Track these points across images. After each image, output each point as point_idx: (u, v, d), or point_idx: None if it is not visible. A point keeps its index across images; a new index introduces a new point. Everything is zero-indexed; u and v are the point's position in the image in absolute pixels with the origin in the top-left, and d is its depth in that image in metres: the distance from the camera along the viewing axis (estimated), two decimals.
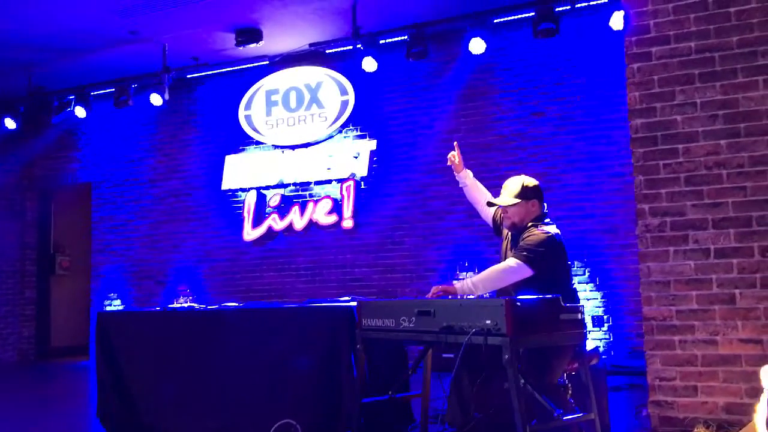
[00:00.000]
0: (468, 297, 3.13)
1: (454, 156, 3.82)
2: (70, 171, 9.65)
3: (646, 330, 3.70)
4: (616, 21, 6.29)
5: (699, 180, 3.64)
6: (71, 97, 8.56)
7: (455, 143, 3.93)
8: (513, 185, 3.45)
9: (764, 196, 3.50)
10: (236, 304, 4.55)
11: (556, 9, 6.62)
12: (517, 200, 3.39)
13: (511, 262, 3.22)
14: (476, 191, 3.85)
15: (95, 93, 8.74)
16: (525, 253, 3.20)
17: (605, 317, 6.83)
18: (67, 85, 8.64)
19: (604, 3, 6.46)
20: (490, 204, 3.60)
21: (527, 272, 3.18)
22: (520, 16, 6.99)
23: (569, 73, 7.17)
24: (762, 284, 3.47)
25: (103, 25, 7.29)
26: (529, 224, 3.37)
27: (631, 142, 3.82)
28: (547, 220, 3.42)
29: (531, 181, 3.46)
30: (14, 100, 8.71)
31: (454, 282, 3.19)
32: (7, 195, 9.72)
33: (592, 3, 6.60)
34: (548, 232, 3.28)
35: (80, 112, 8.55)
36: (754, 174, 3.53)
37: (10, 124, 8.72)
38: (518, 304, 2.58)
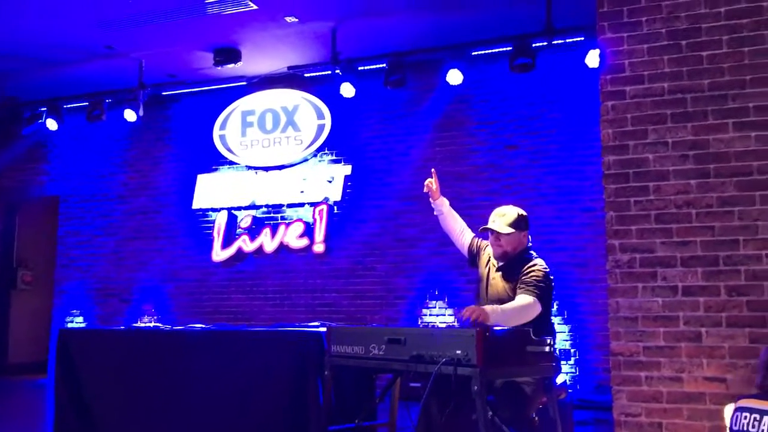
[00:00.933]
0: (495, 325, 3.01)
1: (432, 183, 3.83)
2: (38, 183, 9.49)
3: (613, 365, 3.72)
4: (592, 59, 6.40)
5: (669, 218, 3.70)
6: (43, 109, 8.46)
7: (433, 170, 3.94)
8: (509, 214, 3.46)
9: (731, 237, 3.56)
10: (202, 326, 4.48)
11: (533, 44, 6.73)
12: (513, 230, 3.41)
13: (529, 299, 3.20)
14: (452, 220, 3.85)
15: (68, 106, 8.65)
16: (536, 291, 3.21)
17: (572, 351, 6.86)
18: (40, 97, 8.53)
19: (581, 41, 6.58)
20: (485, 230, 3.57)
21: (539, 310, 3.19)
22: (497, 49, 7.09)
23: (544, 107, 7.28)
24: (727, 323, 3.51)
25: (79, 39, 7.23)
26: (524, 255, 3.40)
27: (604, 178, 3.87)
28: (532, 252, 3.45)
29: (523, 212, 3.50)
30: None
31: (487, 307, 3.09)
32: None
33: (568, 40, 6.72)
34: (547, 267, 3.32)
35: (51, 124, 8.45)
36: (722, 214, 3.60)
37: None
38: (489, 334, 2.57)
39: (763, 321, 3.46)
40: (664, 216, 3.70)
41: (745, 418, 2.78)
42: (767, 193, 3.51)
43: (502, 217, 3.46)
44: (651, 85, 3.81)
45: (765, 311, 3.46)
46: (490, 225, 3.49)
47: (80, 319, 8.89)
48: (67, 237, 9.16)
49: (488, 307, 3.08)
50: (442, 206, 3.85)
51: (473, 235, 3.81)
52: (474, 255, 3.71)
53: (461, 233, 3.80)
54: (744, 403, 2.85)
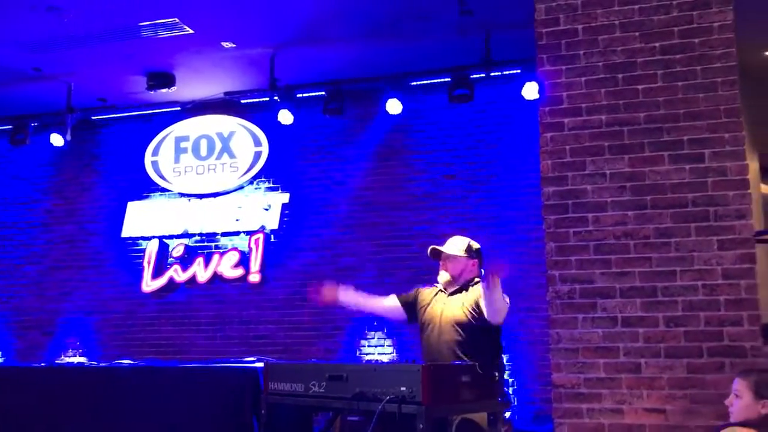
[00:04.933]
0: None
1: (326, 294, 3.68)
2: None
3: (555, 398, 3.69)
4: (529, 91, 6.51)
5: (607, 249, 3.72)
6: None
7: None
8: (460, 242, 3.54)
9: (668, 267, 3.61)
10: (131, 362, 4.25)
11: (471, 76, 6.80)
12: (461, 254, 3.44)
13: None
14: (367, 299, 3.82)
15: None
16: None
17: (510, 380, 6.84)
18: None
19: (518, 73, 6.69)
20: (435, 251, 3.58)
21: (508, 304, 3.23)
22: (436, 80, 7.13)
23: (481, 138, 7.33)
24: (666, 354, 3.54)
25: (4, 60, 6.91)
26: (475, 284, 3.41)
27: (543, 209, 3.88)
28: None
29: (476, 244, 3.55)
30: None
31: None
32: None
33: (506, 72, 6.81)
34: None
35: None
36: (659, 245, 3.64)
37: None
38: (436, 370, 2.50)
39: (700, 351, 3.50)
40: (603, 247, 3.73)
41: None
42: (702, 225, 3.58)
43: (452, 242, 3.52)
44: (589, 117, 3.86)
45: (702, 341, 3.50)
46: (441, 247, 3.54)
47: None
48: None
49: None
50: (348, 296, 3.77)
51: (395, 294, 3.79)
52: (413, 306, 3.68)
53: (383, 302, 3.76)
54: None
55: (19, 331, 8.37)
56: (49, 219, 8.56)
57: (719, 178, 3.61)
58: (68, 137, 7.73)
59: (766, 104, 7.17)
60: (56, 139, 7.79)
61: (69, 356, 7.99)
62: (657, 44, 3.79)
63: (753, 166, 7.49)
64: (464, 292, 3.47)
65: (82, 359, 7.79)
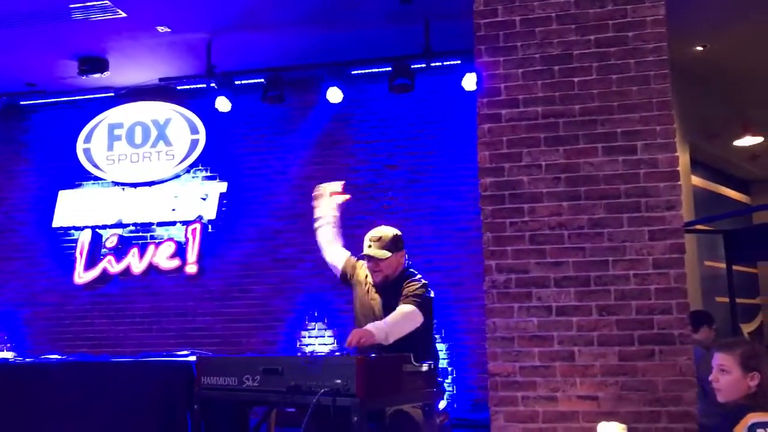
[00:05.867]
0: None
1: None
2: None
3: (491, 386, 3.72)
4: (468, 82, 6.55)
5: (542, 239, 3.77)
6: None
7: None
8: (384, 237, 3.42)
9: (601, 257, 3.68)
10: (59, 357, 4.10)
11: (412, 66, 6.78)
12: (390, 253, 3.37)
13: (408, 308, 3.16)
14: (332, 242, 3.78)
15: None
16: (417, 300, 3.17)
17: (449, 369, 6.90)
18: None
19: (457, 64, 6.71)
20: (364, 257, 3.51)
21: (420, 319, 3.15)
22: (377, 69, 7.09)
23: (422, 128, 7.34)
24: (599, 342, 3.61)
25: None
26: (404, 274, 3.36)
27: (481, 199, 3.90)
28: (413, 270, 3.42)
29: (397, 231, 3.48)
30: None
31: (369, 326, 3.04)
32: None
33: (446, 63, 6.82)
34: (425, 281, 3.29)
35: None
36: (592, 235, 3.71)
37: None
38: (370, 362, 2.48)
39: (631, 339, 3.58)
40: (538, 237, 3.77)
41: None
42: (634, 216, 3.66)
43: (377, 242, 3.42)
44: (525, 108, 3.89)
45: (633, 330, 3.58)
46: (368, 251, 3.45)
47: None
48: None
49: (370, 326, 3.02)
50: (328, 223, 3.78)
51: (348, 253, 3.76)
52: (347, 274, 3.65)
53: (337, 254, 3.74)
54: (758, 417, 2.67)
55: None
56: None
57: (651, 169, 3.68)
58: None
59: (695, 97, 7.40)
60: None
61: None
62: (592, 37, 3.84)
63: (683, 158, 7.73)
64: (390, 288, 3.41)
65: (10, 354, 7.50)
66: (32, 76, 7.51)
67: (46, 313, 7.79)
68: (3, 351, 7.68)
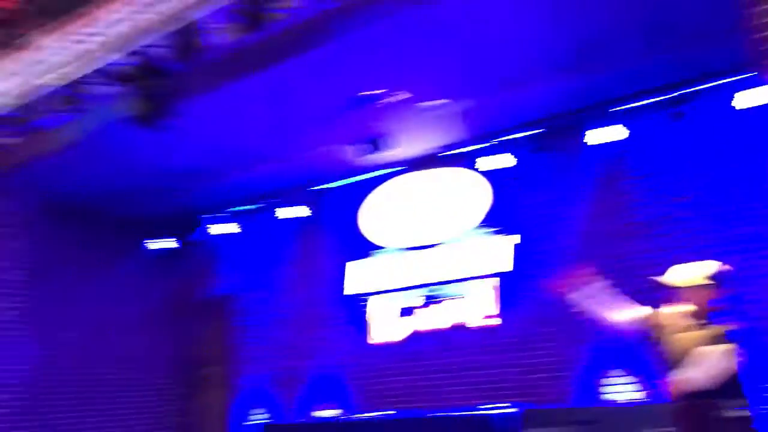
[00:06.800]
0: None
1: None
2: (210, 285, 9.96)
3: None
4: (740, 100, 6.23)
5: None
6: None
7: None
8: (697, 268, 3.39)
9: None
10: (384, 413, 4.43)
11: (681, 91, 6.58)
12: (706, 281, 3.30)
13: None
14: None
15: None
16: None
17: None
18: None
19: (727, 83, 6.36)
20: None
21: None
22: (644, 102, 6.93)
23: (696, 154, 6.84)
24: None
25: None
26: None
27: None
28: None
29: (715, 266, 3.39)
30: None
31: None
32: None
33: (714, 83, 6.50)
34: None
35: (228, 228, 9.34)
36: None
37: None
38: (689, 408, 2.38)
39: None
40: None
41: None
42: None
43: (690, 272, 3.35)
44: None
45: None
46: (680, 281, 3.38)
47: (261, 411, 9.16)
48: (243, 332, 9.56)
49: None
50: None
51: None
52: (659, 324, 3.56)
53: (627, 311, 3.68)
54: None
55: (277, 388, 9.11)
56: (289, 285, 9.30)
57: None
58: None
59: None
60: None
61: (321, 410, 8.50)
62: None
63: None
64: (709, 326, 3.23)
65: (335, 412, 8.25)
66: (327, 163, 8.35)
67: (354, 373, 8.50)
68: (328, 409, 8.47)
